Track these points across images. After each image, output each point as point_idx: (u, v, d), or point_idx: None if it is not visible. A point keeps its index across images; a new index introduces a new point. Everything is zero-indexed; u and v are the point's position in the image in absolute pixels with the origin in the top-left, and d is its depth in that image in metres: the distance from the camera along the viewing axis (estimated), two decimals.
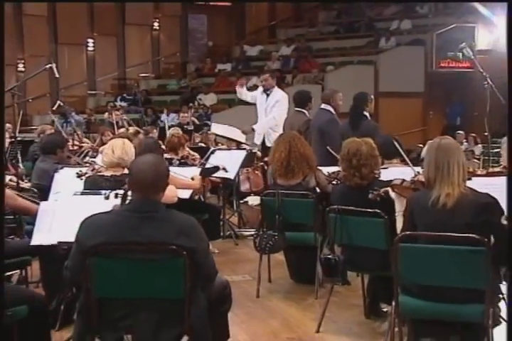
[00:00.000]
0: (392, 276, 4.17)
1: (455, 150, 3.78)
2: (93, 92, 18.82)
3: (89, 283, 3.32)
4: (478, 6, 16.28)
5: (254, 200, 9.18)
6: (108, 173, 5.01)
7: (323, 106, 7.81)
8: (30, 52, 18.67)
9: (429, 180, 3.75)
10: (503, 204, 3.71)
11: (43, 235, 4.39)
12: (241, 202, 9.17)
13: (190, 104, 15.67)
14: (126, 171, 4.99)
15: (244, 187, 9.34)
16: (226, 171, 7.41)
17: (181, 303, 3.32)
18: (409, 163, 4.66)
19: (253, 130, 9.00)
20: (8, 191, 4.85)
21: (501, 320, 3.85)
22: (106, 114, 13.78)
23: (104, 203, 4.38)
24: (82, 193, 4.67)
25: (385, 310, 4.98)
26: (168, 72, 20.96)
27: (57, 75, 5.77)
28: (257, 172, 9.54)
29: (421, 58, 17.35)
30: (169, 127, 11.24)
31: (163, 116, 16.69)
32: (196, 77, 19.78)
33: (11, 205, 4.95)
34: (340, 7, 21.65)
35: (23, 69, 18.46)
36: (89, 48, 19.72)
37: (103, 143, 9.11)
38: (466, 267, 3.56)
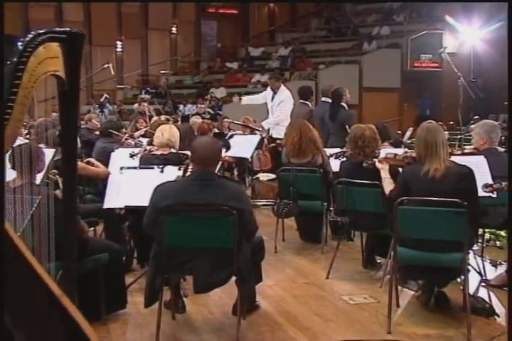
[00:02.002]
0: (385, 234, 4.48)
1: (439, 132, 3.93)
2: (121, 86, 18.73)
3: (161, 235, 3.54)
4: (445, 15, 16.31)
5: (264, 177, 9.43)
6: (158, 152, 5.11)
7: (323, 99, 8.04)
8: None
9: (420, 156, 3.91)
10: (477, 176, 3.92)
11: (113, 200, 4.64)
12: (253, 178, 9.45)
13: (206, 97, 15.81)
14: (172, 150, 5.14)
15: (256, 166, 9.62)
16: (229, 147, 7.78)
17: (231, 251, 3.51)
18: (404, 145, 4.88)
19: (262, 128, 9.18)
20: (79, 163, 5.09)
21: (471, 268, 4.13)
22: (136, 105, 13.87)
23: (158, 175, 4.63)
24: (141, 168, 4.94)
25: (378, 261, 5.18)
26: (184, 70, 20.78)
27: (112, 73, 5.96)
28: (266, 154, 9.81)
29: (397, 59, 17.32)
30: (189, 116, 11.46)
31: (182, 107, 16.87)
32: (208, 73, 19.70)
33: (83, 175, 5.18)
34: (329, 15, 21.64)
35: None
36: (117, 49, 19.55)
37: (137, 129, 9.34)
38: (450, 224, 3.74)
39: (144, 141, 7.20)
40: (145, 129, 8.83)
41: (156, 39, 20.66)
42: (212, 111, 14.68)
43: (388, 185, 4.29)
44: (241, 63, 19.74)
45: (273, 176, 9.19)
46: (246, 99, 9.83)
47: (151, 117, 11.12)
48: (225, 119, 11.96)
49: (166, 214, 3.51)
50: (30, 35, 2.95)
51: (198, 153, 3.61)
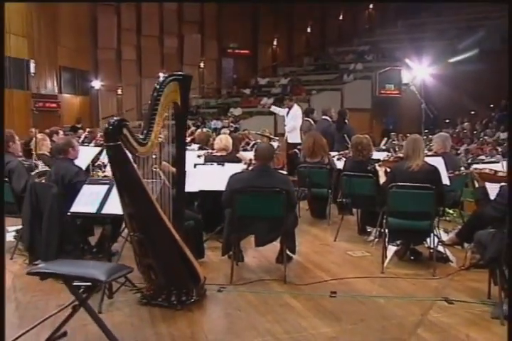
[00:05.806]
0: (374, 211, 4.92)
1: (422, 141, 4.41)
2: None
3: (234, 207, 3.98)
4: (403, 57, 16.50)
5: None
6: (218, 154, 5.53)
7: (323, 117, 8.44)
8: (125, 82, 18.95)
9: (407, 156, 4.34)
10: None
11: (190, 186, 5.10)
12: None
13: (228, 114, 16.29)
14: (227, 152, 5.58)
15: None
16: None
17: (281, 219, 3.93)
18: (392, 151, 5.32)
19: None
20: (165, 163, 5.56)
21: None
22: None
23: (221, 169, 5.08)
24: (208, 164, 5.42)
25: (369, 230, 5.49)
26: (209, 94, 21.06)
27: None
28: (277, 156, 10.21)
29: (369, 88, 17.70)
30: (218, 129, 11.89)
31: (208, 122, 17.32)
32: (227, 97, 20.11)
33: (167, 171, 5.61)
34: (317, 54, 22.04)
35: (120, 93, 18.93)
36: (160, 79, 19.97)
37: None
38: (423, 201, 4.16)
39: (195, 146, 7.63)
40: (189, 138, 9.21)
41: (188, 71, 20.60)
42: (233, 125, 15.17)
43: (383, 179, 4.73)
44: (252, 89, 20.13)
45: (285, 173, 9.60)
46: (273, 108, 10.17)
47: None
48: (245, 131, 12.39)
49: (237, 193, 3.96)
50: (162, 78, 3.54)
51: (260, 153, 4.09)
